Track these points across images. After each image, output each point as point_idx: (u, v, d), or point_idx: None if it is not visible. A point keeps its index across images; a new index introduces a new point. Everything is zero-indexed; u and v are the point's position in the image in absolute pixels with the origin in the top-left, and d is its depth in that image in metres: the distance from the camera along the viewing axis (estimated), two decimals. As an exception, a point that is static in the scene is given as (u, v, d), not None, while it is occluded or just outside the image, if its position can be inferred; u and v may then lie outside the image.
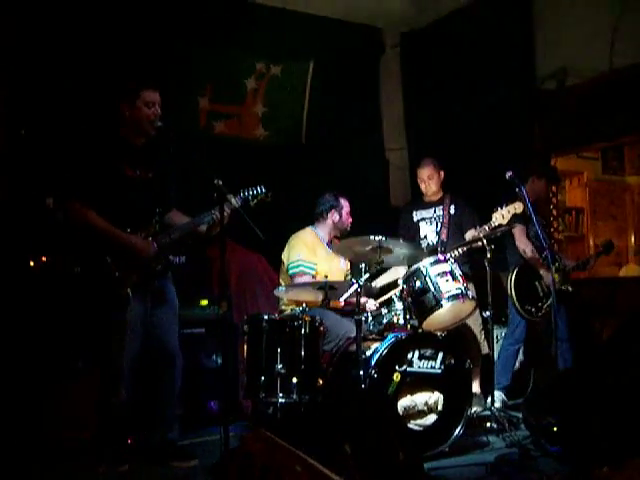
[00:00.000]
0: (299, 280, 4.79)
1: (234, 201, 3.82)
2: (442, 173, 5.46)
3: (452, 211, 5.43)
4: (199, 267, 5.12)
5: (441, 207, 5.46)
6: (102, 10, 5.24)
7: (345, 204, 5.13)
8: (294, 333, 4.11)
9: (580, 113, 5.83)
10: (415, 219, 5.55)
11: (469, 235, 5.21)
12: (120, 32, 5.33)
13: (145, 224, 3.80)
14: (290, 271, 4.88)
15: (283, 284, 4.95)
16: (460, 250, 4.83)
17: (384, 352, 4.01)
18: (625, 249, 8.40)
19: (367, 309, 4.71)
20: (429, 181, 5.43)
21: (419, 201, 5.66)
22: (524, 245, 5.24)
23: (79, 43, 5.18)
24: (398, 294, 4.50)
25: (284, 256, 5.02)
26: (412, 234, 5.50)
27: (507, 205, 4.52)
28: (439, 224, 5.43)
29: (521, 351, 5.52)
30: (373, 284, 5.00)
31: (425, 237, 5.49)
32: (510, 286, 5.16)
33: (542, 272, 5.20)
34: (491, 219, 4.56)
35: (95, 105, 4.94)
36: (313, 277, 4.84)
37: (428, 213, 5.52)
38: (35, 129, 5.02)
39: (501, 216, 4.53)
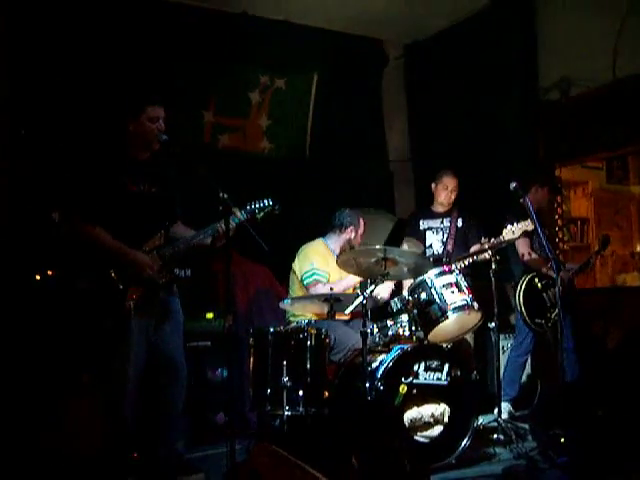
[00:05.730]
0: (314, 289, 4.78)
1: (240, 214, 3.82)
2: None
3: (459, 224, 5.47)
4: (205, 280, 5.12)
5: (449, 219, 5.51)
6: (107, 25, 5.29)
7: (362, 226, 5.12)
8: (300, 346, 4.10)
9: (583, 123, 5.84)
10: (422, 227, 5.58)
11: (475, 250, 5.22)
12: (125, 46, 5.37)
13: (149, 238, 3.80)
14: (305, 281, 4.86)
15: (294, 294, 4.94)
16: (465, 262, 4.83)
17: (390, 364, 4.01)
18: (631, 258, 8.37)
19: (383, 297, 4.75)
20: (453, 192, 5.47)
21: (426, 210, 5.70)
22: (523, 249, 5.24)
23: (84, 58, 5.23)
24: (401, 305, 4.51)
25: (295, 266, 4.99)
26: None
27: (519, 222, 4.56)
28: (445, 234, 5.48)
29: (528, 362, 5.51)
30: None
31: (430, 246, 5.53)
32: (519, 300, 5.16)
33: (545, 271, 5.19)
34: (501, 233, 4.59)
35: (99, 119, 4.97)
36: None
37: (435, 223, 5.56)
38: (41, 143, 5.04)
39: (511, 232, 4.57)
